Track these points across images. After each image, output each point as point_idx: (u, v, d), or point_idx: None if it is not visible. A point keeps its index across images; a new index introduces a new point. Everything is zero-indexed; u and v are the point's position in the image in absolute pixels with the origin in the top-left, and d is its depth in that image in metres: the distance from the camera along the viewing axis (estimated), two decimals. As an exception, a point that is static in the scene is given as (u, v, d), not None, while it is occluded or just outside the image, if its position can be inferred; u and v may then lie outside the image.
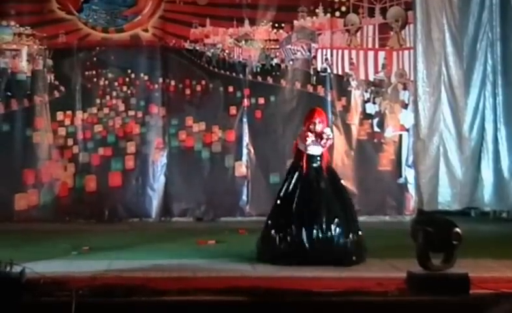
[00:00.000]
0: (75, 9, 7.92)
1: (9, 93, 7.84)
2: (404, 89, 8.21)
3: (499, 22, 8.11)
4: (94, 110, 7.94)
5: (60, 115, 7.89)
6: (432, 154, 8.10)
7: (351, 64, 8.18)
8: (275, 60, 8.12)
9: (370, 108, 8.19)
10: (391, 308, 3.92)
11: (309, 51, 8.15)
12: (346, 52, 8.18)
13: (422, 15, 8.10)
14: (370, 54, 8.19)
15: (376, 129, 8.17)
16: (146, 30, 8.02)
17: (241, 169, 8.01)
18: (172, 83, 8.04)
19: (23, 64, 7.86)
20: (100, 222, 7.60)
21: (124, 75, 7.99)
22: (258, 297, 3.90)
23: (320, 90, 8.09)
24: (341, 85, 8.16)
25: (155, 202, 7.88)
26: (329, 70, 8.14)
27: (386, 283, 4.16)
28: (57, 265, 4.85)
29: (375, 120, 8.18)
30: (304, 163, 5.26)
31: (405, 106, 8.21)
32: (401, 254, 4.90)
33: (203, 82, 8.06)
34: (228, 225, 7.15)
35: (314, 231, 5.10)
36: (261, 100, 8.09)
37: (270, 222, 5.31)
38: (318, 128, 5.31)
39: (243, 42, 8.10)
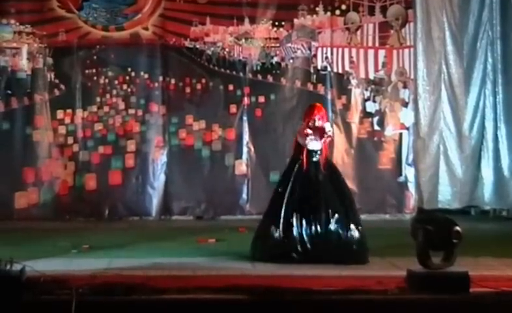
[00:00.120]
0: (75, 7, 7.92)
1: (9, 91, 7.84)
2: (405, 87, 8.21)
3: (499, 20, 8.11)
4: (94, 108, 7.94)
5: (60, 114, 7.89)
6: (432, 153, 8.10)
7: (351, 62, 8.18)
8: (275, 59, 8.12)
9: (371, 107, 8.19)
10: (391, 306, 3.92)
11: (309, 49, 8.15)
12: (346, 50, 8.17)
13: (422, 14, 8.10)
14: (371, 52, 8.19)
15: (376, 127, 8.16)
16: (146, 29, 8.02)
17: (242, 167, 8.01)
18: (173, 81, 8.03)
19: (23, 63, 7.86)
20: (100, 221, 7.60)
21: (124, 73, 7.99)
22: (258, 295, 3.90)
23: (320, 89, 8.09)
24: (341, 83, 8.15)
25: (155, 200, 7.88)
26: (329, 69, 8.14)
27: (386, 282, 4.15)
28: (57, 264, 4.84)
29: (375, 119, 8.18)
30: (304, 158, 5.24)
31: (405, 105, 8.21)
32: (401, 253, 4.89)
33: (203, 80, 8.05)
34: (229, 224, 7.15)
35: (313, 228, 5.08)
36: (261, 99, 8.09)
37: (267, 217, 5.28)
38: (318, 124, 5.30)
39: (244, 40, 8.10)
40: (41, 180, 7.76)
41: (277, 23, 8.11)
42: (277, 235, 5.13)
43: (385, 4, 8.19)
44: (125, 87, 8.00)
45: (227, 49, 8.08)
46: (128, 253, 5.54)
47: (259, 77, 8.11)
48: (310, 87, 8.12)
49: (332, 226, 5.10)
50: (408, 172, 8.13)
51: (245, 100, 8.06)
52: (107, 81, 7.98)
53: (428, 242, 4.07)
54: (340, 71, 8.16)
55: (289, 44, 8.14)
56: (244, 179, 8.00)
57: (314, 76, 8.13)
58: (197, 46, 8.04)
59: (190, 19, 8.04)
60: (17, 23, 7.83)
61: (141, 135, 7.97)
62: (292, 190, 5.19)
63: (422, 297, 3.96)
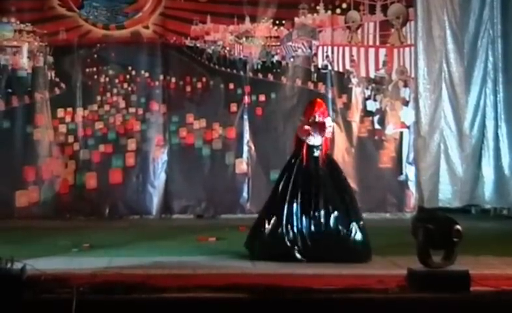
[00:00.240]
0: (75, 6, 7.92)
1: (9, 90, 7.84)
2: (405, 86, 8.20)
3: (500, 19, 8.10)
4: (95, 107, 7.94)
5: (60, 112, 7.89)
6: (432, 152, 8.10)
7: (352, 61, 8.17)
8: (276, 58, 8.12)
9: (371, 105, 8.18)
10: (391, 305, 3.92)
11: (310, 48, 8.14)
12: (346, 49, 8.17)
13: (423, 13, 8.09)
14: (371, 51, 8.19)
15: (376, 126, 8.16)
16: (146, 27, 8.02)
17: (242, 166, 8.01)
18: (173, 80, 8.03)
19: (24, 61, 7.86)
20: (101, 219, 7.60)
21: (125, 72, 7.98)
22: (259, 294, 3.90)
23: (321, 88, 8.08)
24: (342, 82, 8.15)
25: (155, 199, 7.88)
26: (329, 67, 8.14)
27: (387, 281, 4.15)
28: (58, 262, 4.85)
29: (376, 118, 8.18)
30: (304, 153, 5.24)
31: (406, 103, 8.20)
32: (402, 251, 4.89)
33: (204, 79, 8.05)
34: (229, 223, 7.15)
35: (313, 224, 5.07)
36: (262, 97, 8.09)
37: (266, 212, 5.25)
38: (318, 120, 5.29)
39: (244, 39, 8.09)
40: (41, 178, 7.76)
41: (277, 22, 8.10)
42: (276, 230, 5.11)
43: (386, 2, 8.18)
44: (125, 85, 7.99)
45: (227, 48, 8.07)
46: (129, 252, 5.54)
47: (260, 75, 8.10)
48: (310, 85, 8.11)
49: (332, 222, 5.09)
50: (409, 171, 8.13)
51: (246, 99, 8.06)
52: (107, 79, 7.98)
53: (429, 240, 4.07)
54: (340, 70, 8.16)
55: (290, 43, 8.14)
56: (245, 178, 8.00)
57: (315, 75, 8.13)
58: (198, 45, 8.04)
59: (191, 18, 8.04)
60: (18, 22, 7.83)
61: (141, 134, 7.97)
62: (292, 185, 5.18)
63: (423, 296, 3.96)
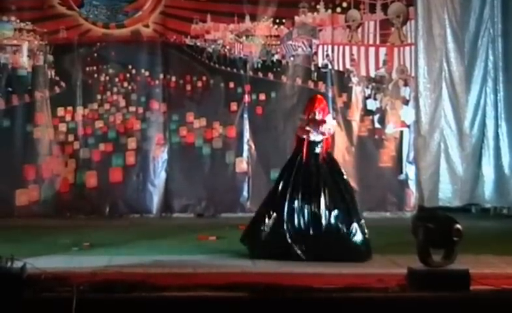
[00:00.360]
0: (75, 4, 7.91)
1: (10, 89, 7.84)
2: (405, 85, 8.20)
3: (500, 18, 8.09)
4: (95, 106, 7.94)
5: (60, 111, 7.89)
6: (433, 151, 8.10)
7: (352, 60, 8.17)
8: (276, 56, 8.11)
9: (371, 104, 8.18)
10: (391, 304, 3.92)
11: (310, 47, 8.14)
12: (347, 48, 8.16)
13: (423, 11, 8.08)
14: (371, 50, 8.18)
15: (377, 125, 8.16)
16: (147, 26, 8.01)
17: (242, 165, 8.01)
18: (173, 79, 8.03)
19: (24, 60, 7.85)
20: (101, 218, 7.61)
21: (125, 71, 7.98)
22: (259, 293, 3.90)
23: (321, 87, 8.08)
24: (342, 81, 8.15)
25: (156, 198, 7.88)
26: (330, 66, 8.13)
27: (387, 280, 4.15)
28: (58, 261, 4.85)
29: (376, 117, 8.18)
30: (305, 150, 5.23)
31: (406, 102, 8.20)
32: (402, 250, 4.90)
33: (204, 78, 8.05)
34: (229, 222, 7.14)
35: (313, 221, 5.07)
36: (262, 96, 8.08)
37: (266, 209, 5.25)
38: (319, 117, 5.29)
39: (244, 37, 8.09)
40: (42, 177, 7.76)
41: (277, 21, 8.10)
42: (277, 228, 5.11)
43: (386, 1, 8.17)
44: (126, 84, 7.99)
45: (227, 47, 8.07)
46: (129, 250, 5.54)
47: (260, 74, 8.10)
48: (311, 84, 8.11)
49: (333, 220, 5.09)
50: (409, 170, 8.13)
51: (246, 98, 8.05)
52: (107, 78, 7.98)
53: (429, 240, 4.07)
54: (341, 69, 8.16)
55: (290, 42, 8.13)
56: (245, 177, 8.00)
57: (315, 74, 8.13)
58: (198, 44, 8.03)
59: (191, 17, 8.04)
60: (18, 20, 7.83)
61: (141, 132, 7.97)
62: (293, 183, 5.18)
63: (422, 295, 3.96)
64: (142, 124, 7.98)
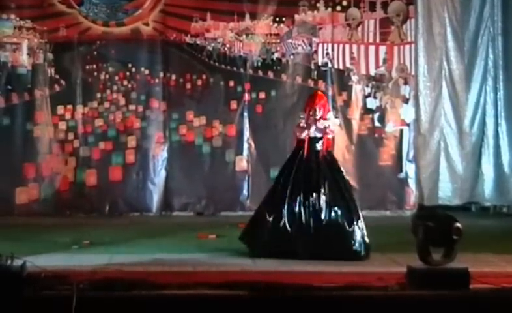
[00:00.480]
0: (75, 3, 7.90)
1: (9, 87, 7.83)
2: (405, 83, 8.20)
3: (500, 17, 8.08)
4: (95, 104, 7.94)
5: (60, 109, 7.89)
6: (432, 149, 8.09)
7: (352, 58, 8.16)
8: (276, 55, 8.11)
9: (371, 103, 8.18)
10: (391, 302, 3.92)
11: (310, 45, 8.13)
12: (347, 46, 8.16)
13: (423, 10, 8.07)
14: (371, 48, 8.17)
15: (376, 124, 8.15)
16: (146, 24, 8.00)
17: (242, 163, 8.01)
18: (173, 77, 8.02)
19: (24, 58, 7.85)
20: (101, 216, 7.61)
21: (125, 69, 7.98)
22: (259, 291, 3.90)
23: (321, 85, 8.07)
24: (342, 79, 8.14)
25: (155, 196, 7.88)
26: (330, 65, 8.13)
27: (386, 278, 4.15)
28: (58, 259, 4.85)
29: (376, 115, 8.17)
30: (306, 146, 5.22)
31: (406, 101, 8.20)
32: (402, 249, 4.90)
33: (204, 76, 8.04)
34: (229, 220, 7.15)
35: (313, 219, 5.07)
36: (262, 95, 8.08)
37: (266, 207, 5.25)
38: (319, 114, 5.28)
39: (244, 36, 8.08)
40: (41, 175, 7.76)
41: (277, 19, 8.09)
42: (278, 227, 5.11)
43: (387, 0, 8.17)
44: (125, 82, 7.99)
45: (227, 45, 8.06)
46: (129, 249, 5.55)
47: (260, 73, 8.09)
48: (311, 83, 8.10)
49: (333, 218, 5.09)
50: (409, 168, 8.13)
51: (246, 96, 8.05)
52: (107, 76, 7.97)
53: (429, 238, 4.07)
54: (341, 67, 8.15)
55: (290, 40, 8.13)
56: (245, 175, 8.00)
57: (315, 72, 8.12)
58: (198, 42, 8.03)
59: (191, 15, 8.03)
60: (18, 18, 7.82)
61: (141, 131, 7.97)
62: (294, 181, 5.18)
63: (422, 293, 3.96)
64: (142, 122, 7.98)
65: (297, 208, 5.11)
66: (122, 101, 7.98)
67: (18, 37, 7.83)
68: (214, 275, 4.33)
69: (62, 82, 7.90)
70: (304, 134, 5.26)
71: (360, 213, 5.24)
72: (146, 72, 7.99)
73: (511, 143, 8.08)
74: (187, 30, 8.02)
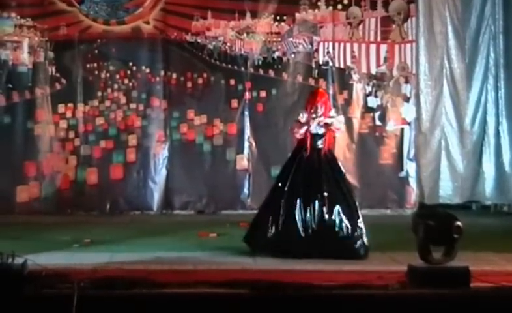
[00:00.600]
0: (76, 1, 7.90)
1: (10, 85, 7.84)
2: (406, 82, 8.19)
3: (502, 15, 8.07)
4: (96, 103, 7.94)
5: (61, 108, 7.89)
6: (433, 148, 8.09)
7: (353, 57, 8.16)
8: (277, 53, 8.11)
9: (372, 102, 8.17)
10: (391, 301, 3.92)
11: (311, 44, 8.13)
12: (348, 45, 8.15)
13: (424, 8, 8.07)
14: (372, 47, 8.17)
15: (377, 122, 8.15)
16: (147, 23, 8.00)
17: (243, 162, 8.01)
18: (174, 75, 8.02)
19: (24, 56, 7.85)
20: (102, 215, 7.62)
21: (126, 67, 7.98)
22: (259, 290, 3.90)
23: (322, 84, 8.06)
24: (343, 78, 8.14)
25: (156, 195, 7.89)
26: (330, 63, 8.12)
27: (387, 277, 4.15)
28: (59, 257, 4.86)
29: (377, 114, 8.17)
30: (308, 143, 5.21)
31: (407, 100, 8.19)
32: (402, 248, 4.90)
33: (204, 75, 8.04)
34: (230, 219, 7.15)
35: (314, 218, 5.07)
36: (263, 93, 8.08)
37: (267, 206, 5.25)
38: (320, 111, 5.28)
39: (245, 34, 8.08)
40: (42, 174, 7.77)
41: (278, 18, 8.09)
42: (279, 227, 5.11)
43: (387, -2, 8.17)
44: (126, 81, 7.99)
45: (228, 44, 8.06)
46: (129, 247, 5.55)
47: (261, 71, 8.09)
48: (311, 81, 8.10)
49: (333, 216, 5.09)
50: (410, 167, 8.13)
51: (247, 95, 8.05)
52: (108, 75, 7.97)
53: (429, 237, 4.07)
54: (341, 66, 8.15)
55: (291, 39, 8.12)
56: (245, 174, 8.00)
57: (316, 71, 8.12)
58: (199, 40, 8.03)
59: (191, 13, 8.03)
60: (18, 17, 7.82)
61: (142, 129, 7.97)
62: (294, 181, 5.17)
63: (423, 292, 3.96)
64: (143, 121, 7.98)
65: (297, 208, 5.11)
66: (123, 99, 7.98)
67: (19, 35, 7.83)
68: (215, 273, 4.34)
69: (63, 80, 7.91)
70: (302, 131, 5.26)
71: (360, 213, 5.24)
72: (147, 70, 7.99)
73: (511, 142, 8.08)
74: (188, 29, 8.02)
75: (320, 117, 5.27)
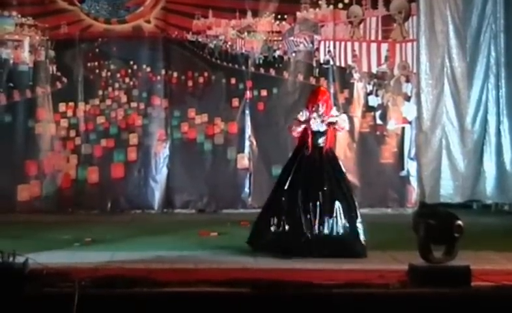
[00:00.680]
0: (77, 0, 7.90)
1: (11, 84, 7.84)
2: (407, 81, 8.19)
3: (503, 14, 8.07)
4: (97, 101, 7.94)
5: (62, 107, 7.90)
6: (434, 147, 8.09)
7: (354, 56, 8.16)
8: (278, 52, 8.10)
9: (373, 101, 8.17)
10: (392, 300, 3.92)
11: (312, 43, 8.12)
12: (348, 44, 8.15)
13: (425, 7, 8.07)
14: (373, 46, 8.17)
15: (378, 121, 8.15)
16: (148, 22, 8.00)
17: (244, 161, 8.01)
18: (175, 74, 8.03)
19: (25, 55, 7.86)
20: (102, 214, 7.62)
21: (127, 66, 7.98)
22: (260, 288, 3.90)
23: (323, 83, 8.05)
24: (344, 77, 8.14)
25: (157, 194, 7.89)
26: (331, 62, 8.12)
27: (388, 276, 4.15)
28: (60, 256, 4.86)
29: (378, 113, 8.17)
30: (309, 140, 5.21)
31: (408, 99, 8.19)
32: (403, 247, 4.90)
33: (205, 74, 8.04)
34: (230, 218, 7.16)
35: (314, 217, 5.07)
36: (263, 92, 8.08)
37: (268, 206, 5.26)
38: (322, 109, 5.27)
39: (246, 33, 8.08)
40: (43, 173, 7.78)
41: (279, 17, 8.09)
42: (279, 227, 5.12)
43: (388, -3, 8.16)
44: (127, 80, 7.99)
45: (229, 43, 8.06)
46: (130, 246, 5.56)
47: (261, 70, 8.09)
48: (312, 80, 8.10)
49: (334, 215, 5.09)
50: (410, 166, 8.12)
51: (248, 94, 8.05)
52: (109, 74, 7.98)
53: (430, 236, 4.07)
54: (342, 65, 8.14)
55: (292, 38, 8.12)
56: (246, 173, 8.00)
57: (317, 70, 8.12)
58: (199, 39, 8.03)
59: (192, 12, 8.03)
60: (19, 15, 7.82)
61: (143, 128, 7.98)
62: (296, 180, 5.18)
63: (423, 291, 3.96)
64: (143, 120, 7.98)
65: (298, 207, 5.11)
66: (124, 98, 7.99)
67: (20, 34, 7.84)
68: (215, 272, 4.34)
69: (64, 79, 7.91)
70: (299, 129, 5.25)
71: (359, 212, 5.25)
72: (148, 69, 8.00)
73: (512, 141, 8.08)
74: (188, 28, 8.02)
75: (322, 115, 5.26)
